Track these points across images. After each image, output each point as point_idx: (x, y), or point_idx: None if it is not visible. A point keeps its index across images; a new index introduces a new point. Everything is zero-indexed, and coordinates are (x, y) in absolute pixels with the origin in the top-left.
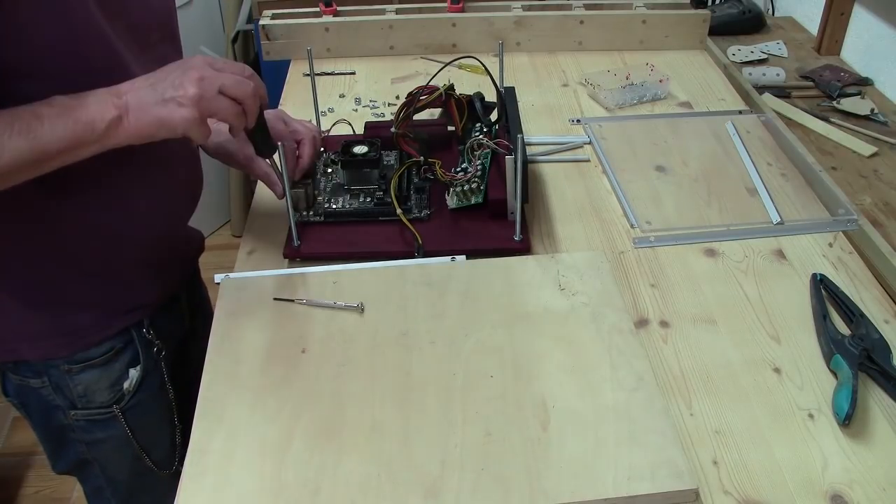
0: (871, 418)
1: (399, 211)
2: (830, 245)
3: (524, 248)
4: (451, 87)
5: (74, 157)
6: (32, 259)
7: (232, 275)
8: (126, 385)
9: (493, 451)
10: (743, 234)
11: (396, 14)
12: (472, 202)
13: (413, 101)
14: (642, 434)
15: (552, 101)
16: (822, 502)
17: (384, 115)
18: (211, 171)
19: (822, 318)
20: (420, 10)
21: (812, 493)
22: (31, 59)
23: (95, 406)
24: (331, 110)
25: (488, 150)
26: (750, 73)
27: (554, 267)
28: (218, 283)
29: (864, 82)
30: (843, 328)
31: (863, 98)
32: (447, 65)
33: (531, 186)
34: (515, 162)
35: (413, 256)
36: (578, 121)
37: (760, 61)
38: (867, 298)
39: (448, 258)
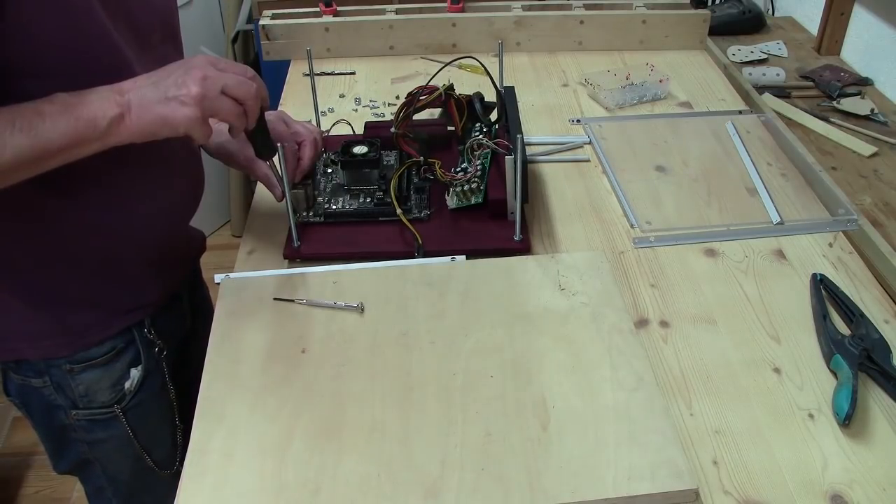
0: (871, 418)
1: (399, 211)
2: (830, 245)
3: (524, 248)
4: (450, 87)
5: (76, 155)
6: (34, 259)
7: (232, 275)
8: (127, 385)
9: (493, 451)
10: (743, 234)
11: (396, 14)
12: (472, 202)
13: (413, 101)
14: (642, 434)
15: (552, 101)
16: (822, 502)
17: (384, 115)
18: (211, 171)
19: (822, 318)
20: (420, 10)
21: (812, 493)
22: (34, 58)
23: (97, 406)
24: (331, 110)
25: (488, 150)
26: (750, 73)
27: (554, 267)
28: (218, 283)
29: (864, 82)
30: (843, 328)
31: (863, 98)
32: (447, 65)
33: (531, 186)
34: (515, 162)
35: (413, 256)
36: (578, 121)
37: (760, 61)
38: (867, 298)
39: (448, 258)
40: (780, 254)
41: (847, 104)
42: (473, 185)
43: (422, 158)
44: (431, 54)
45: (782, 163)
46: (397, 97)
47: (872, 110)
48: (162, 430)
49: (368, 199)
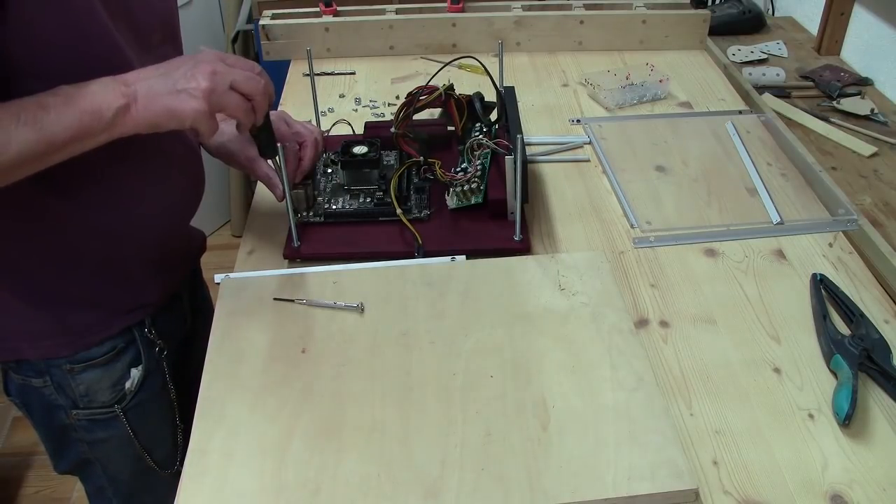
0: (871, 418)
1: (399, 211)
2: (830, 245)
3: (524, 248)
4: (450, 87)
5: (83, 148)
6: (34, 258)
7: (232, 275)
8: (128, 385)
9: (493, 451)
10: (743, 234)
11: (396, 14)
12: (472, 202)
13: (413, 101)
14: (642, 434)
15: (552, 101)
16: (822, 502)
17: (384, 115)
18: (211, 171)
19: (822, 318)
20: (420, 10)
21: (812, 493)
22: (36, 58)
23: (97, 406)
24: (331, 110)
25: (488, 150)
26: (750, 73)
27: (554, 267)
28: (218, 283)
29: (864, 82)
30: (843, 328)
31: (863, 98)
32: (447, 65)
33: (531, 186)
34: (515, 162)
35: (413, 256)
36: (578, 121)
37: (760, 61)
38: (867, 298)
39: (448, 258)
40: (780, 254)
41: (847, 104)
42: (473, 185)
43: (422, 158)
44: (431, 54)
45: (782, 163)
46: (397, 97)
47: (872, 110)
48: (162, 430)
49: (368, 199)
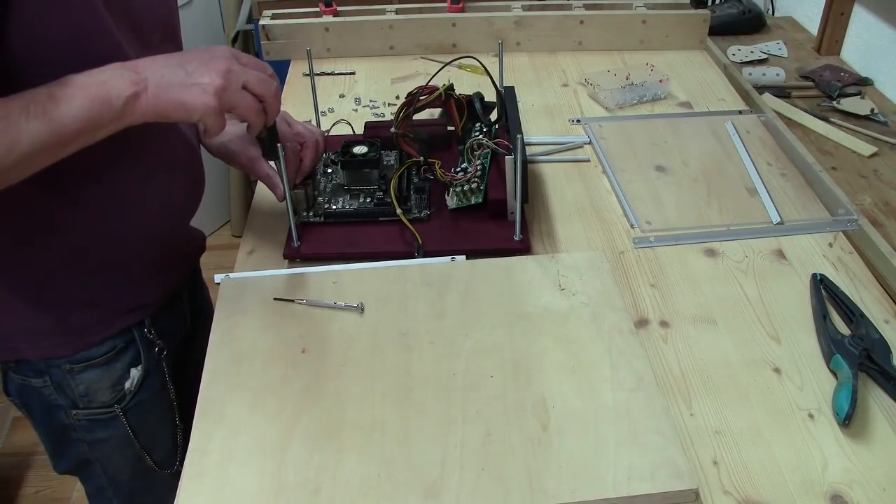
0: (871, 418)
1: (399, 211)
2: (830, 245)
3: (524, 248)
4: (450, 87)
5: (93, 138)
6: (34, 258)
7: (232, 275)
8: (127, 385)
9: (493, 451)
10: (743, 234)
11: (396, 14)
12: (472, 202)
13: (413, 101)
14: (642, 434)
15: (552, 101)
16: (822, 502)
17: (384, 115)
18: (211, 171)
19: (822, 318)
20: (420, 10)
21: (812, 493)
22: (37, 57)
23: (97, 406)
24: (331, 110)
25: (488, 150)
26: (750, 73)
27: (554, 267)
28: (218, 283)
29: (864, 82)
30: (843, 328)
31: (863, 98)
32: (447, 65)
33: (531, 186)
34: (515, 162)
35: (413, 256)
36: (578, 121)
37: (760, 61)
38: (867, 298)
39: (448, 258)
40: (780, 254)
41: (847, 104)
42: (473, 185)
43: (422, 158)
44: (431, 54)
45: (782, 163)
46: (397, 97)
47: (872, 110)
48: (162, 430)
49: (368, 199)
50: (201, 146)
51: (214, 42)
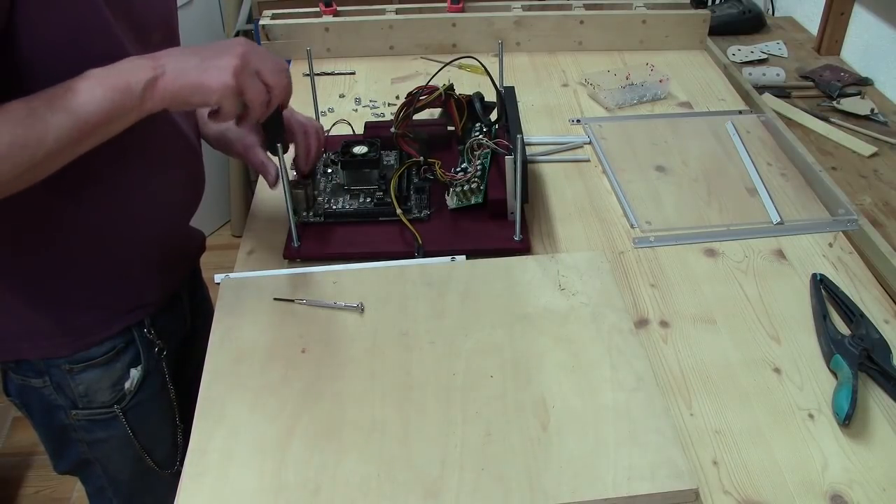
0: (871, 418)
1: (399, 211)
2: (830, 245)
3: (524, 248)
4: (450, 87)
5: (115, 129)
6: (34, 258)
7: (232, 275)
8: (127, 385)
9: (493, 451)
10: (743, 234)
11: (396, 14)
12: (472, 202)
13: (413, 101)
14: (642, 434)
15: (552, 101)
16: (822, 502)
17: (384, 115)
18: (211, 171)
19: (822, 318)
20: (420, 10)
21: (812, 493)
22: (40, 56)
23: (97, 406)
24: (331, 110)
25: (488, 150)
26: (750, 73)
27: (554, 267)
28: (218, 283)
29: (864, 82)
30: (843, 328)
31: (863, 98)
32: (447, 65)
33: (531, 186)
34: (515, 162)
35: (413, 256)
36: (578, 121)
37: (760, 61)
38: (867, 298)
39: (448, 258)
40: (780, 254)
41: (847, 104)
42: (473, 185)
43: (422, 158)
44: (431, 54)
45: (782, 163)
46: (397, 97)
47: (872, 110)
48: (162, 430)
49: (368, 199)
50: (200, 141)
51: None
